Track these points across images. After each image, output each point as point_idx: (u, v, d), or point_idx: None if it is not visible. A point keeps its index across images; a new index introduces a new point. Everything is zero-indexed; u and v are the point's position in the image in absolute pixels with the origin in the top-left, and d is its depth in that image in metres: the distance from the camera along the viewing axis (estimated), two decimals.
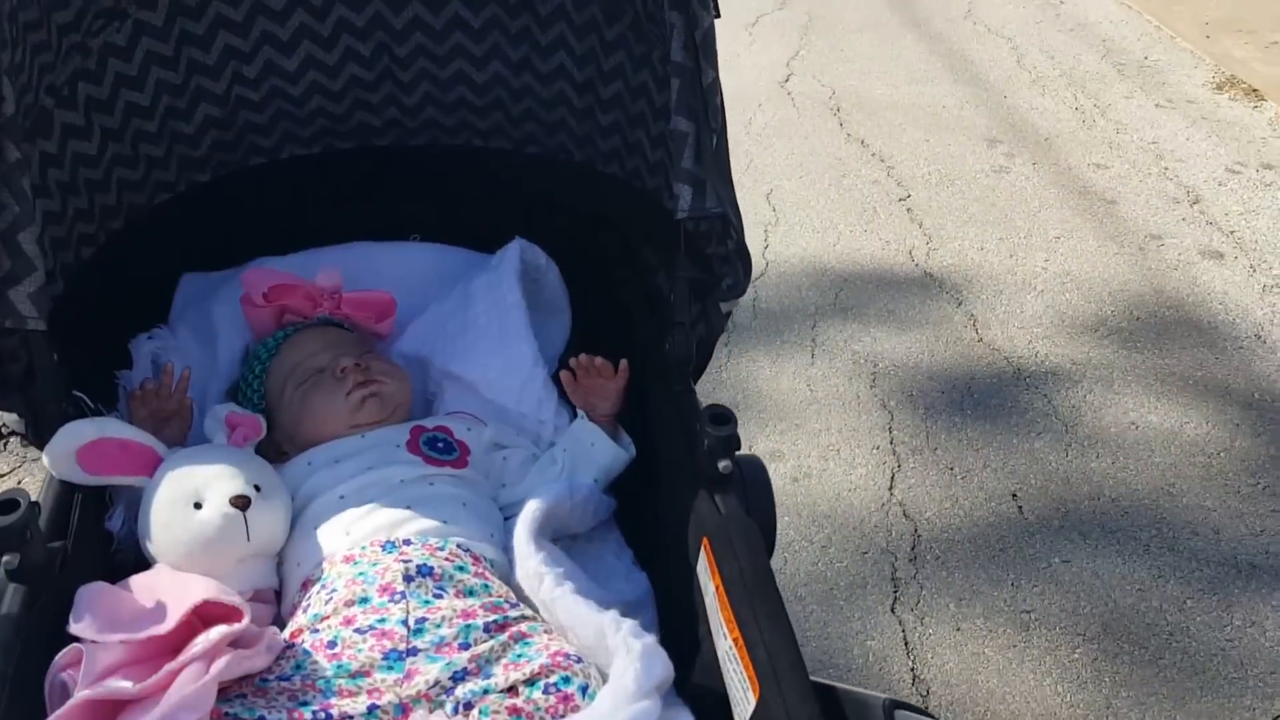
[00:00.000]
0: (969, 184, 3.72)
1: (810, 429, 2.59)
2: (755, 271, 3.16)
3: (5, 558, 1.05)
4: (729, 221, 1.28)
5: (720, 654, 1.12)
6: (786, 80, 4.54)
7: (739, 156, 3.83)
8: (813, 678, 1.01)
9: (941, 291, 3.14)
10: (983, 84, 4.50)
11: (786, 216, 3.51)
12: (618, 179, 1.60)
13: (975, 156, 3.91)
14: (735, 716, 1.06)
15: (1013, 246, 3.36)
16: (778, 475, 2.38)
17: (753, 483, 1.24)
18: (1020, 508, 2.36)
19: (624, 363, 1.48)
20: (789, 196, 3.63)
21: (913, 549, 2.25)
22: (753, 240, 3.23)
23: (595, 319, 1.67)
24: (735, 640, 1.07)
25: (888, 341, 2.92)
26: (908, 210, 3.56)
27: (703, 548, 1.19)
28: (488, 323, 1.56)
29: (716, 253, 1.34)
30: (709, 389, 2.63)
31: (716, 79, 1.23)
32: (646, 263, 1.55)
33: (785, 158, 3.90)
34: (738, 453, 1.23)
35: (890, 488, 2.42)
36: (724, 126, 1.26)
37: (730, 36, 4.87)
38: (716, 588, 1.14)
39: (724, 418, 1.23)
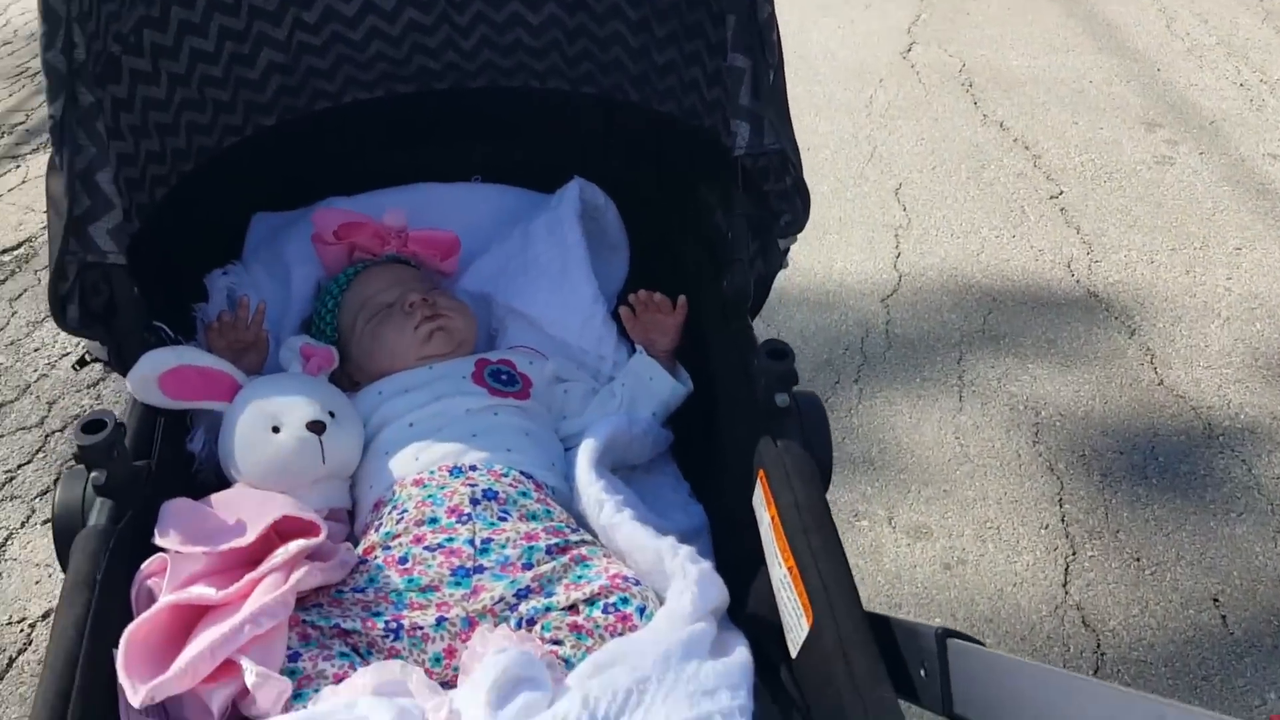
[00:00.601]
0: (1129, 178, 3.19)
1: (962, 497, 2.16)
2: (887, 289, 2.78)
3: (94, 474, 1.11)
4: (787, 158, 1.29)
5: (775, 582, 1.14)
6: (909, 50, 4.00)
7: (860, 143, 3.44)
8: (866, 608, 1.03)
9: (1109, 316, 2.65)
10: (1131, 54, 3.90)
11: (920, 218, 3.03)
12: (674, 117, 1.61)
13: (1133, 143, 3.36)
14: (789, 642, 1.09)
15: (1188, 260, 2.85)
16: (925, 558, 2.04)
17: (810, 418, 1.25)
18: (1224, 618, 1.93)
19: (682, 298, 1.50)
20: (921, 192, 3.15)
21: (1096, 672, 1.85)
22: (883, 247, 2.92)
23: (653, 256, 1.69)
24: (790, 569, 1.09)
25: (1050, 382, 2.45)
26: (1061, 210, 3.06)
27: (759, 480, 1.21)
28: (549, 261, 1.59)
29: (774, 189, 1.35)
30: (838, 438, 2.22)
31: (773, 13, 1.23)
32: (704, 200, 1.56)
33: (914, 144, 3.39)
34: (795, 388, 1.25)
35: (1065, 583, 1.99)
36: (781, 62, 1.26)
37: (843, 1, 4.43)
38: (772, 518, 1.16)
39: (781, 352, 1.24)
